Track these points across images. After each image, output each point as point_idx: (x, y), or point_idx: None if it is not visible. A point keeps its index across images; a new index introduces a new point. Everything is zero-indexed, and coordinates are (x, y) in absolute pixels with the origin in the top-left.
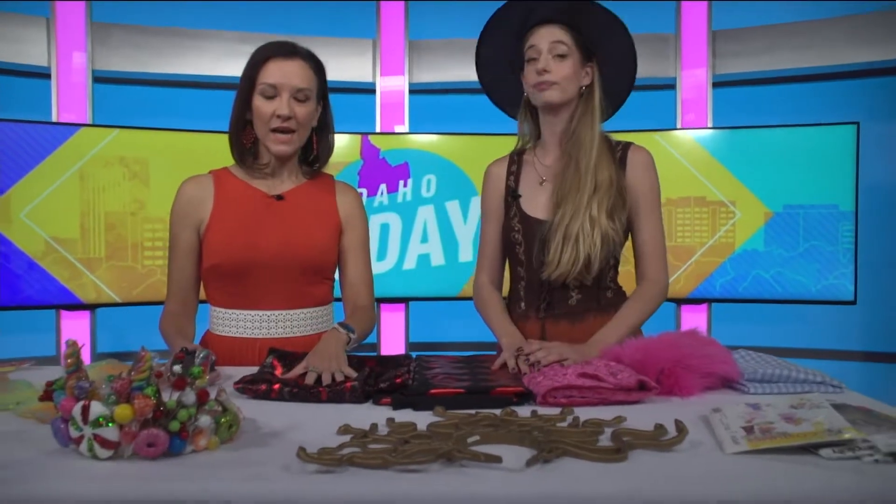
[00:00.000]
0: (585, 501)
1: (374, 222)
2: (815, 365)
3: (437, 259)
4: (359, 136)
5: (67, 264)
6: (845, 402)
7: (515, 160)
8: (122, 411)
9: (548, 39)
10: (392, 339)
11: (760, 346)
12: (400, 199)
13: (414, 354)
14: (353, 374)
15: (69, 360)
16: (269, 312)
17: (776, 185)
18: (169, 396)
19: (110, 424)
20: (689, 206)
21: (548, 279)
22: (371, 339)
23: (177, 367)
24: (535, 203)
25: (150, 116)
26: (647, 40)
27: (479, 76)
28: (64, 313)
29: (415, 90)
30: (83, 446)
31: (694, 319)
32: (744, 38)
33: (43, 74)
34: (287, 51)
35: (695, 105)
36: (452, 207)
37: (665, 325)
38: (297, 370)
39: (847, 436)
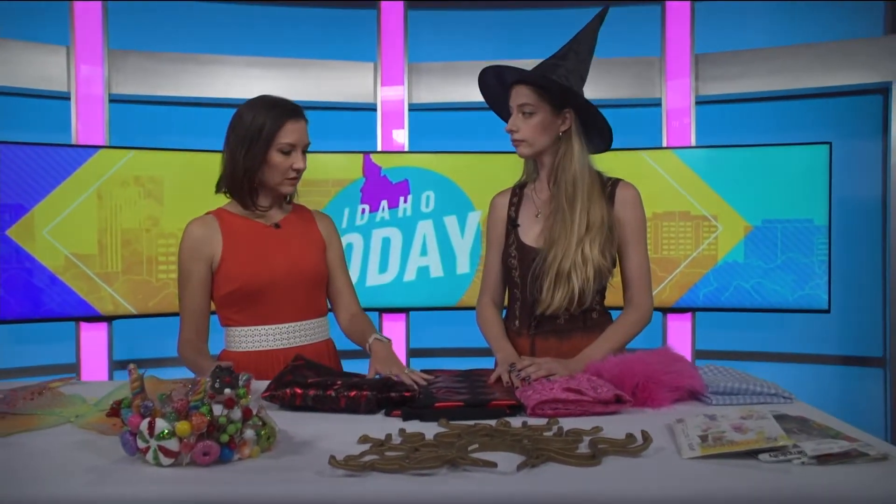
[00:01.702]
0: (566, 500)
1: (376, 236)
2: (793, 368)
3: (436, 271)
4: (361, 155)
5: (86, 278)
6: (793, 411)
7: (517, 192)
8: (183, 426)
9: (515, 101)
10: (394, 346)
11: (742, 350)
12: (400, 214)
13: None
14: (421, 379)
15: (135, 384)
16: (283, 326)
17: (755, 200)
18: (219, 411)
19: (171, 437)
20: (674, 220)
21: (536, 312)
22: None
23: (228, 391)
24: (531, 233)
25: (163, 136)
26: (633, 63)
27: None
28: (83, 325)
29: (414, 108)
30: (149, 455)
31: (679, 327)
32: (724, 62)
33: (62, 97)
34: (298, 114)
35: (678, 124)
36: (450, 222)
37: (653, 333)
38: (369, 374)
39: (781, 443)
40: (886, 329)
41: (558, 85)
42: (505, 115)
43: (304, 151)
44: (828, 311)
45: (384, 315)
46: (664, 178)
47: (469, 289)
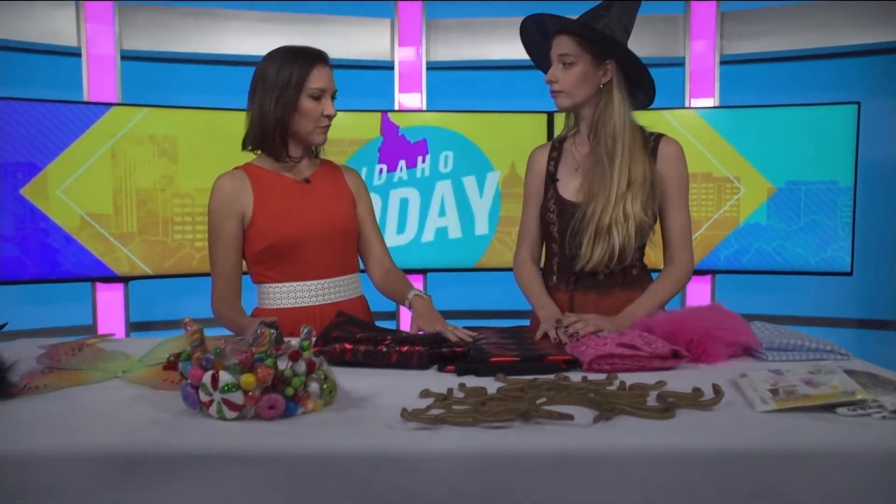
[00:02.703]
0: (644, 452)
1: (394, 197)
2: (811, 332)
3: (455, 232)
4: (378, 114)
5: (102, 239)
6: (852, 368)
7: (557, 146)
8: (248, 379)
9: (556, 51)
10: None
11: (761, 314)
12: (418, 174)
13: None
14: (467, 336)
15: (194, 336)
16: (316, 282)
17: (779, 161)
18: (282, 365)
19: (236, 390)
20: (696, 182)
21: (575, 268)
22: (391, 306)
23: (294, 342)
24: (570, 187)
25: (176, 95)
26: (657, 21)
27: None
28: (99, 285)
29: (432, 67)
30: (213, 409)
31: (699, 290)
32: (750, 20)
33: (73, 53)
34: (324, 59)
35: (702, 83)
36: (469, 182)
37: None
38: (412, 331)
39: (859, 396)
40: None
41: (601, 34)
42: (546, 67)
43: (333, 98)
44: (850, 274)
45: None
46: (686, 139)
47: (487, 250)
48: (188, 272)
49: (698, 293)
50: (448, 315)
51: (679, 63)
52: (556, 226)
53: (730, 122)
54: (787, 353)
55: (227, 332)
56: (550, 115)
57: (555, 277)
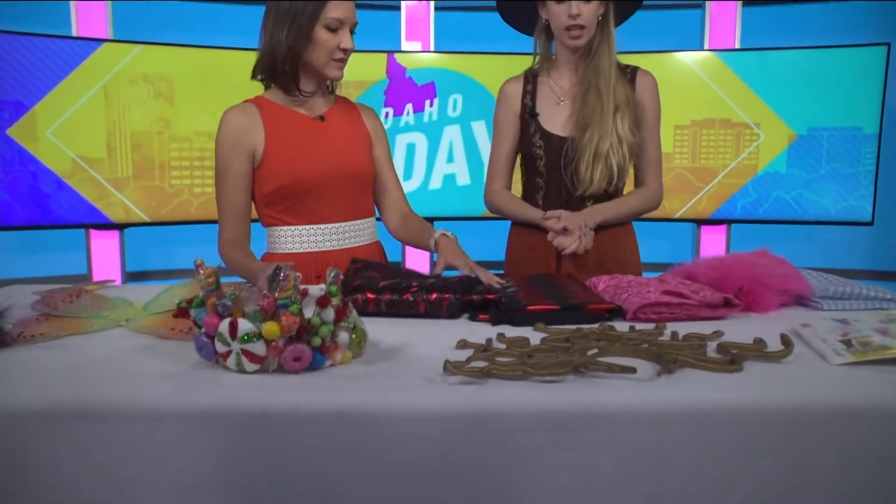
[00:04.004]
0: (714, 408)
1: (401, 142)
2: None
3: (463, 179)
4: (384, 55)
5: (95, 183)
6: None
7: (531, 80)
8: (270, 328)
9: None
10: (417, 257)
11: None
12: (426, 118)
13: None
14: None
15: (209, 280)
16: (331, 226)
17: (801, 107)
18: (309, 312)
19: (258, 340)
20: (714, 128)
21: (576, 193)
22: (397, 256)
23: (322, 287)
24: (554, 121)
25: (170, 32)
26: None
27: None
28: (93, 232)
29: (441, 7)
30: (231, 361)
31: (713, 240)
32: None
33: None
34: None
35: (722, 25)
36: (479, 127)
37: (684, 244)
38: (438, 269)
39: None
40: None
41: None
42: (524, 27)
43: (353, 31)
44: (871, 224)
45: None
46: (705, 83)
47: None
48: (187, 219)
49: (713, 243)
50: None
51: (698, 4)
52: (544, 160)
53: (751, 66)
54: (844, 301)
55: (236, 280)
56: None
57: None
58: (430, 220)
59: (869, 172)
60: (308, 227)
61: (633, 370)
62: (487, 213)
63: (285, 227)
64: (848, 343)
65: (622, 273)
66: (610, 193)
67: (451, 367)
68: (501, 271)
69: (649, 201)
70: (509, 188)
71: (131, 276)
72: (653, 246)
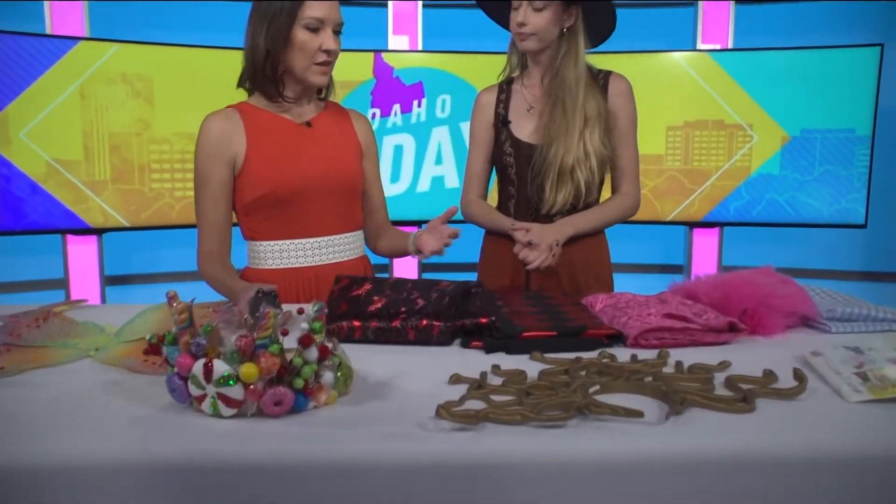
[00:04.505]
0: (726, 455)
1: (388, 143)
2: (822, 285)
3: (452, 181)
4: (371, 54)
5: (72, 187)
6: None
7: (504, 89)
8: (248, 370)
9: None
10: (404, 261)
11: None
12: (414, 119)
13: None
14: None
15: (181, 316)
16: (319, 239)
17: (794, 108)
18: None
19: (233, 383)
20: (707, 129)
21: (542, 212)
22: (383, 260)
23: (305, 325)
24: (525, 129)
25: (151, 30)
26: None
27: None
28: (70, 237)
29: (429, 4)
30: (206, 405)
31: (705, 243)
32: None
33: None
34: None
35: (715, 24)
36: (467, 128)
37: (676, 247)
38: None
39: None
40: None
41: None
42: (501, 20)
43: (337, 32)
44: (864, 227)
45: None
46: (698, 83)
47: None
48: (168, 224)
49: (705, 246)
50: (444, 268)
51: (691, 2)
52: (514, 168)
53: (744, 66)
54: (852, 323)
55: (215, 296)
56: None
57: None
58: (419, 223)
59: (862, 175)
60: (291, 241)
61: (640, 414)
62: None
63: (266, 242)
64: (864, 377)
65: (592, 283)
66: (580, 209)
67: (443, 413)
68: (475, 276)
69: (626, 209)
70: (485, 198)
71: (111, 281)
72: (645, 249)
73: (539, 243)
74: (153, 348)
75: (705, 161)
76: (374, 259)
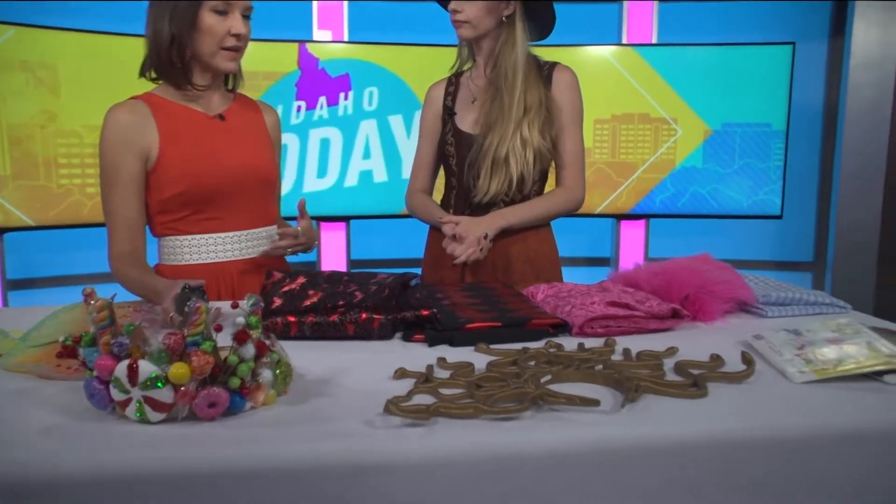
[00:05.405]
0: (685, 440)
1: (314, 137)
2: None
3: (380, 175)
4: (295, 45)
5: None
6: (854, 321)
7: (453, 81)
8: (179, 370)
9: None
10: (332, 257)
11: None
12: (340, 112)
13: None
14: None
15: (100, 314)
16: (233, 234)
17: (715, 102)
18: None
19: (162, 385)
20: (633, 123)
21: (475, 200)
22: (310, 257)
23: (240, 320)
24: (467, 120)
25: (54, 14)
26: None
27: None
28: None
29: None
30: (130, 409)
31: (632, 235)
32: None
33: None
34: None
35: (640, 20)
36: (396, 122)
37: (603, 239)
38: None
39: None
40: (830, 234)
41: None
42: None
43: (246, 16)
44: (780, 217)
45: (322, 224)
46: (624, 78)
47: None
48: (79, 223)
49: (632, 238)
50: (375, 264)
51: None
52: (455, 158)
53: (667, 61)
54: (787, 307)
55: (133, 298)
56: None
57: (451, 211)
58: (346, 218)
59: (778, 168)
60: (207, 235)
61: (596, 402)
62: (406, 211)
63: (181, 238)
64: (806, 358)
65: (532, 280)
66: (514, 201)
67: (393, 409)
68: (419, 270)
69: (566, 203)
70: (431, 190)
71: (13, 285)
72: (572, 242)
73: (466, 236)
74: (68, 350)
75: (632, 154)
76: (292, 258)
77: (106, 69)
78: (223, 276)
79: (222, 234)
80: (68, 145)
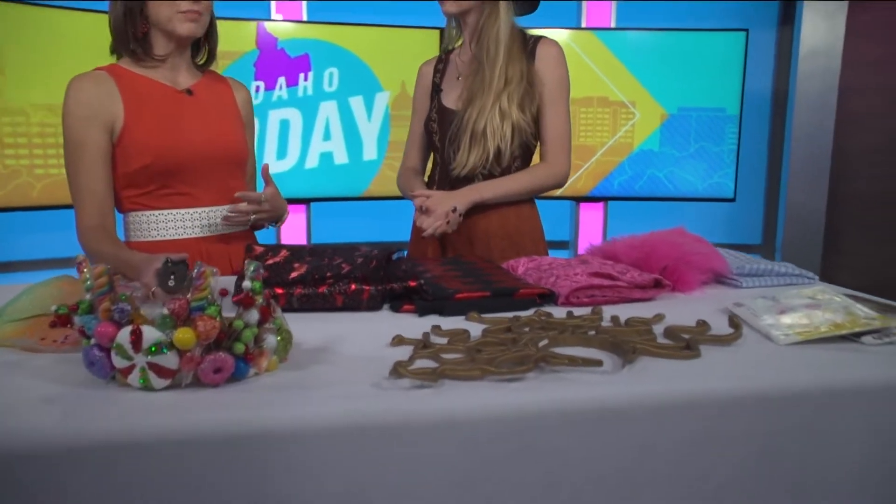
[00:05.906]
0: (683, 398)
1: (273, 118)
2: None
3: (341, 157)
4: (253, 23)
5: None
6: (826, 288)
7: (443, 59)
8: (184, 335)
9: None
10: (293, 240)
11: None
12: (300, 93)
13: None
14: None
15: (99, 280)
16: (202, 210)
17: (672, 87)
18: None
19: (167, 351)
20: (592, 107)
21: (452, 174)
22: (271, 238)
23: (246, 283)
24: (451, 96)
25: None
26: None
27: None
28: None
29: None
30: (133, 377)
31: (592, 217)
32: None
33: None
34: None
35: (598, 3)
36: (356, 103)
37: (562, 222)
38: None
39: (878, 324)
40: (779, 217)
41: None
42: None
43: None
44: (733, 200)
45: None
46: (583, 61)
47: (376, 177)
48: (28, 205)
49: (591, 220)
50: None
51: None
52: (438, 134)
53: (625, 45)
54: (761, 278)
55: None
56: (444, 32)
57: (435, 187)
58: (307, 201)
59: (731, 151)
60: (175, 211)
61: (599, 363)
62: (367, 193)
63: (148, 213)
64: (788, 323)
65: (512, 256)
66: (493, 175)
67: (402, 370)
68: (405, 253)
69: (545, 178)
70: (420, 169)
71: None
72: None
73: (434, 209)
74: (62, 319)
75: (591, 137)
76: (262, 237)
77: (54, 45)
78: (193, 254)
79: (189, 210)
80: (14, 124)
